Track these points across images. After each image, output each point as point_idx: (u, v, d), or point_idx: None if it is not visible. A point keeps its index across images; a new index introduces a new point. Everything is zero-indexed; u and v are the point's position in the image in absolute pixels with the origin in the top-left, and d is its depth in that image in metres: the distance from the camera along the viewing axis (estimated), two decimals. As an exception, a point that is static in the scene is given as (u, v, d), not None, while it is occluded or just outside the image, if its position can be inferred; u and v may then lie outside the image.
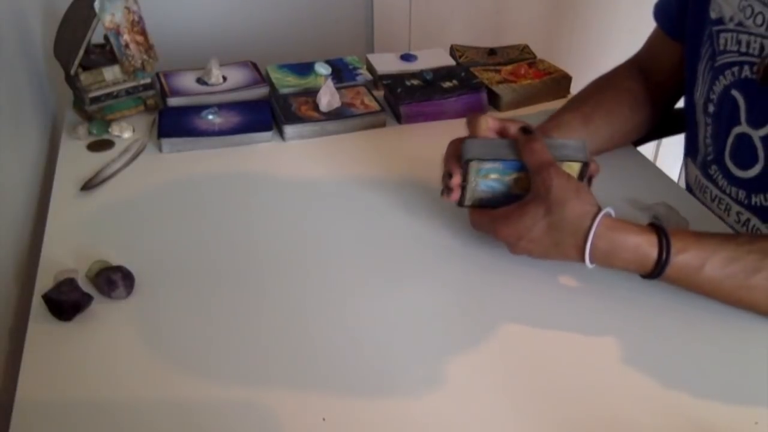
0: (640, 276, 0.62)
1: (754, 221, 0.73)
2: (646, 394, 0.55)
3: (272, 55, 1.22)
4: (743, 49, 0.70)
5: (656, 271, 0.60)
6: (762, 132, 0.69)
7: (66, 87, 0.98)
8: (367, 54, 1.14)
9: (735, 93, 0.72)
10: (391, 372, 0.57)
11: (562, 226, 0.61)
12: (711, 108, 0.77)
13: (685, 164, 0.88)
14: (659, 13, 0.86)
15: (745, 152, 0.72)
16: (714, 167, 0.78)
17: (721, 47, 0.73)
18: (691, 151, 0.85)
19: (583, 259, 0.62)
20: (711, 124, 0.78)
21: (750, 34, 0.69)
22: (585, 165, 0.65)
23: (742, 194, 0.74)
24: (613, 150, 0.87)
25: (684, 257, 0.59)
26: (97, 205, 0.78)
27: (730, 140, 0.74)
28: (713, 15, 0.74)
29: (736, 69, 0.72)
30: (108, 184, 0.82)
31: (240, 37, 1.40)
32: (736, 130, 0.73)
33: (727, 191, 0.76)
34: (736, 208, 0.75)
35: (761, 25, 0.68)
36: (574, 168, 0.65)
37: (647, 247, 0.60)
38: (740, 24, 0.70)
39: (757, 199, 0.72)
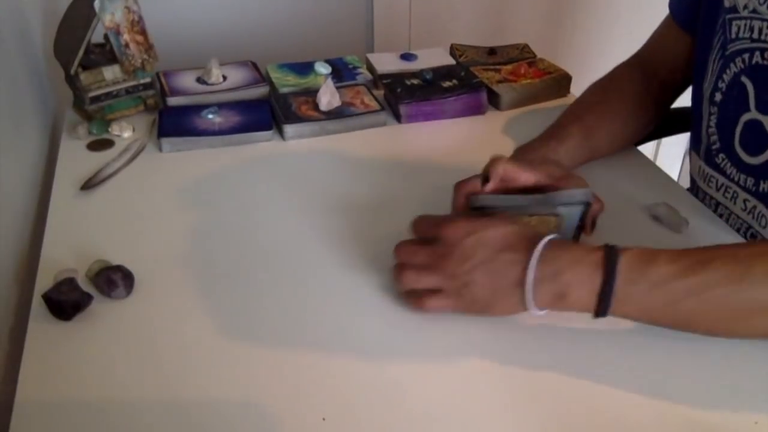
0: (594, 311, 0.56)
1: (761, 208, 0.73)
2: (645, 393, 0.55)
3: (272, 54, 1.22)
4: (755, 36, 0.70)
5: (608, 268, 0.54)
6: None
7: (66, 87, 0.98)
8: (367, 54, 1.14)
9: (744, 80, 0.72)
10: (391, 372, 0.57)
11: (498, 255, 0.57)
12: (718, 97, 0.77)
13: (690, 158, 0.88)
14: (674, 3, 0.86)
15: (755, 138, 0.72)
16: (722, 156, 0.77)
17: (733, 35, 0.73)
18: (695, 143, 0.85)
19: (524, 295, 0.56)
20: (716, 113, 0.78)
21: (763, 20, 0.69)
22: (587, 206, 0.63)
23: (750, 181, 0.74)
24: (622, 150, 0.87)
25: (631, 252, 0.55)
26: (97, 205, 0.78)
27: (739, 128, 0.74)
28: (727, 3, 0.74)
29: (747, 56, 0.72)
30: (108, 183, 0.82)
31: (240, 37, 1.39)
32: (746, 116, 0.73)
33: (735, 179, 0.76)
34: (743, 195, 0.75)
35: None
36: (551, 222, 0.62)
37: (592, 251, 0.56)
38: (754, 11, 0.70)
39: (765, 186, 0.72)
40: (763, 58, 0.70)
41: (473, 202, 0.65)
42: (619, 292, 0.54)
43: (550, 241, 0.57)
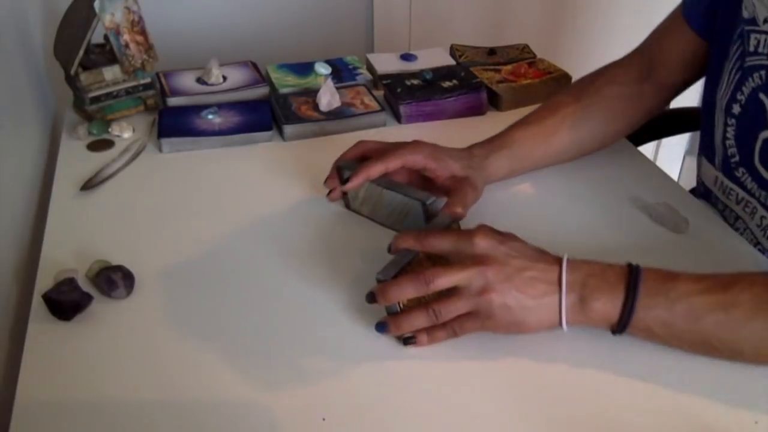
0: (616, 322, 0.56)
1: None
2: (645, 393, 0.55)
3: (272, 55, 1.22)
4: None
5: (631, 279, 0.55)
6: None
7: (66, 87, 0.98)
8: (367, 54, 1.14)
9: (762, 96, 0.71)
10: (392, 372, 0.57)
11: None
12: (736, 109, 0.74)
13: (699, 164, 0.86)
14: (689, 5, 0.83)
15: None
16: (742, 170, 0.75)
17: (752, 48, 0.71)
18: (707, 150, 0.83)
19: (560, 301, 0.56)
20: (734, 126, 0.76)
21: None
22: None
23: None
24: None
25: (654, 269, 0.57)
26: (97, 205, 0.78)
27: (758, 144, 0.72)
28: (746, 14, 0.72)
29: (763, 72, 0.70)
30: (108, 184, 0.82)
31: (240, 37, 1.39)
32: (764, 134, 0.71)
33: (756, 194, 0.74)
34: (761, 212, 0.74)
35: None
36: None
37: (615, 265, 0.58)
38: None
39: None
40: None
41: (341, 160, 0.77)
42: (642, 302, 0.55)
43: (569, 258, 0.58)
